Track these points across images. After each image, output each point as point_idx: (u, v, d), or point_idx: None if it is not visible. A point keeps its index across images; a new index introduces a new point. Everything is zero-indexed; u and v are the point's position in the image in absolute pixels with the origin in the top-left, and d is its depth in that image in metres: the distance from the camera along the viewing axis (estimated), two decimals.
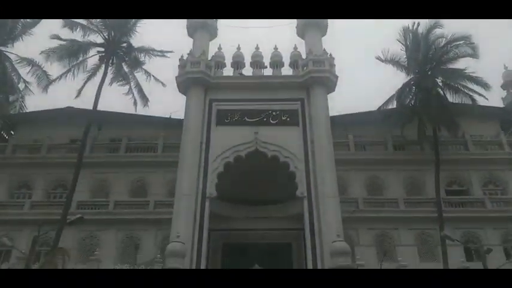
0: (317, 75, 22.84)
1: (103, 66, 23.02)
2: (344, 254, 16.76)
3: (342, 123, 25.36)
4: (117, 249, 21.75)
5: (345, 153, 24.85)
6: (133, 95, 23.74)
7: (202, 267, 18.04)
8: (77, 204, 22.21)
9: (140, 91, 23.89)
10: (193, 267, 17.69)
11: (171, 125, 25.76)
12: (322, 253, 18.07)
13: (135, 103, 23.61)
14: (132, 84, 23.89)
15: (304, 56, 24.76)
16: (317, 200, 19.55)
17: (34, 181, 24.82)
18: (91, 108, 22.37)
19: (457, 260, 18.39)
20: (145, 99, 23.81)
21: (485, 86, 22.99)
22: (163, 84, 24.05)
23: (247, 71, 25.19)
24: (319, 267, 17.86)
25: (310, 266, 18.20)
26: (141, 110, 24.56)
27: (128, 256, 21.32)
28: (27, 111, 25.97)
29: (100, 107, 22.85)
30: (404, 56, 24.66)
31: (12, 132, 28.98)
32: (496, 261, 17.57)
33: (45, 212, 21.79)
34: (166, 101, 29.14)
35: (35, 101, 26.65)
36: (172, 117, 27.59)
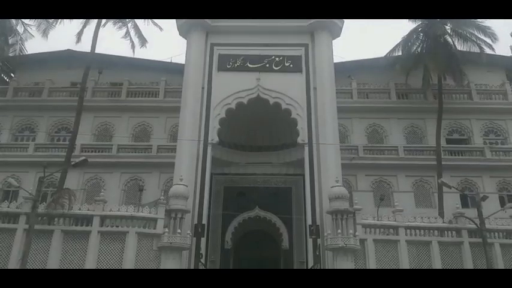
0: (322, 20, 22.11)
1: None
2: (341, 198, 17.16)
3: (345, 71, 25.04)
4: (122, 191, 22.47)
5: (347, 100, 24.75)
6: (130, 37, 23.21)
7: (205, 209, 18.61)
8: (81, 148, 22.58)
9: (138, 32, 23.31)
10: (196, 208, 18.27)
11: (172, 70, 25.46)
12: (321, 197, 18.53)
13: (132, 46, 23.14)
14: (129, 25, 23.26)
15: None
16: (318, 147, 19.70)
17: (37, 124, 25.03)
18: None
19: (452, 206, 18.87)
20: (143, 40, 23.30)
21: (492, 36, 22.53)
22: (160, 29, 23.48)
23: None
24: (317, 210, 18.42)
25: (308, 209, 18.78)
26: (141, 56, 24.18)
27: (132, 197, 22.08)
28: (26, 53, 25.54)
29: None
30: None
31: (13, 75, 28.71)
32: (491, 209, 18.06)
33: (49, 155, 22.24)
34: (169, 47, 28.58)
35: (36, 46, 26.15)
36: (173, 61, 27.18)
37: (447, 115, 23.39)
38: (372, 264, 16.43)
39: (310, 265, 17.06)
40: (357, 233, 16.62)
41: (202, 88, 21.09)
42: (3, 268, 15.17)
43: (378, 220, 17.58)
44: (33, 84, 26.42)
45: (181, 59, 23.98)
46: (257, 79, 20.90)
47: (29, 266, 14.52)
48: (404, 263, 16.57)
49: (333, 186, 17.64)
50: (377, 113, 24.90)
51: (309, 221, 18.44)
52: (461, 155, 23.68)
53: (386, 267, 16.57)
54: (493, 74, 26.24)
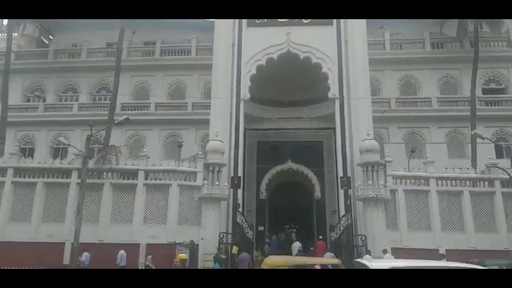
0: None
1: None
2: (372, 151, 17.58)
3: (377, 21, 24.34)
4: (162, 147, 23.81)
5: (380, 52, 24.36)
6: None
7: (240, 162, 19.51)
8: (121, 106, 23.72)
9: None
10: (232, 162, 19.20)
11: (203, 27, 25.56)
12: (352, 150, 18.97)
13: None
14: None
15: None
16: (349, 101, 19.83)
17: (78, 84, 26.33)
18: None
19: (486, 157, 18.84)
20: None
21: None
22: None
23: None
24: (348, 163, 18.94)
25: (339, 162, 19.32)
26: None
27: (172, 153, 23.37)
28: None
29: None
30: None
31: (51, 37, 29.83)
32: None
33: (92, 113, 23.58)
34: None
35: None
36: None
37: (484, 64, 22.70)
38: (402, 214, 17.09)
39: (342, 214, 17.89)
40: (387, 184, 17.18)
41: (233, 45, 21.29)
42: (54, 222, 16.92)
43: (408, 171, 17.99)
44: (71, 46, 27.45)
45: None
46: (287, 34, 20.84)
47: (83, 218, 16.09)
48: (435, 213, 17.14)
49: (363, 140, 18.01)
50: (410, 64, 24.45)
51: (340, 173, 19.04)
52: (498, 105, 23.18)
53: (416, 217, 17.23)
54: None
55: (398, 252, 14.79)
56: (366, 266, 6.91)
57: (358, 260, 9.24)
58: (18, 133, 24.71)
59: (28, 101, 26.46)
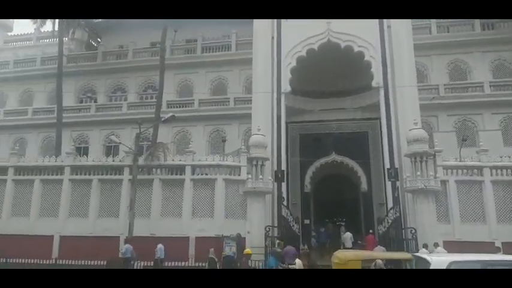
0: None
1: None
2: (420, 140, 16.97)
3: None
4: (207, 142, 24.41)
5: (425, 37, 23.40)
6: None
7: (283, 156, 19.60)
8: (167, 104, 24.50)
9: None
10: (275, 156, 19.33)
11: (242, 22, 25.53)
12: (399, 140, 18.44)
13: None
14: None
15: None
16: (394, 89, 19.25)
17: (126, 84, 27.46)
18: None
19: None
20: None
21: None
22: None
23: None
24: (395, 154, 18.45)
25: (386, 153, 18.84)
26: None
27: (216, 147, 23.90)
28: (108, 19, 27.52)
29: None
30: None
31: (100, 40, 31.25)
32: None
33: (140, 112, 24.57)
34: None
35: None
36: None
37: None
38: (454, 205, 16.46)
39: (390, 207, 17.50)
40: (437, 175, 16.57)
41: (272, 38, 21.26)
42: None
43: (460, 161, 17.24)
44: (118, 47, 28.63)
45: None
46: (327, 23, 20.49)
47: (136, 212, 16.88)
48: (489, 204, 16.35)
49: (411, 129, 17.44)
50: (459, 47, 23.26)
51: (387, 165, 18.59)
52: None
53: (469, 208, 16.52)
54: None
55: (450, 246, 14.30)
56: (426, 260, 6.83)
57: (416, 254, 9.02)
58: (73, 133, 26.21)
59: (81, 102, 27.96)
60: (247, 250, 13.74)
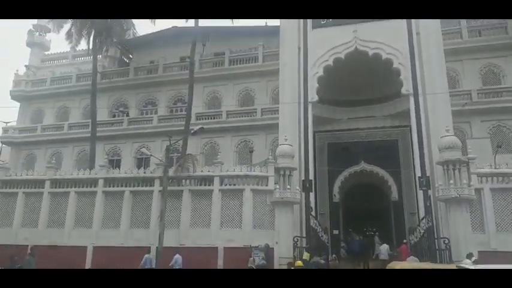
0: None
1: None
2: (453, 148, 16.47)
3: None
4: (234, 153, 24.65)
5: (456, 41, 22.85)
6: None
7: (311, 165, 19.49)
8: (195, 116, 24.99)
9: None
10: (303, 165, 19.26)
11: (269, 33, 26.04)
12: (430, 148, 17.97)
13: None
14: None
15: None
16: (424, 96, 18.84)
17: (157, 98, 28.26)
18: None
19: None
20: None
21: None
22: None
23: None
24: (426, 162, 17.96)
25: (417, 162, 18.37)
26: (238, 23, 25.13)
27: (243, 158, 24.09)
28: (139, 35, 28.62)
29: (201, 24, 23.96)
30: None
31: (131, 56, 32.40)
32: None
33: (170, 125, 25.18)
34: None
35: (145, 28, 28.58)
36: (268, 24, 27.76)
37: None
38: (489, 215, 15.81)
39: (421, 216, 17.01)
40: (471, 183, 16.01)
41: (299, 48, 21.38)
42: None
43: (495, 168, 16.59)
44: (148, 63, 29.58)
45: (276, 21, 24.43)
46: (353, 31, 20.41)
47: (166, 223, 17.17)
48: None
49: (443, 136, 16.99)
50: (492, 51, 22.55)
51: (419, 173, 18.12)
52: None
53: (506, 217, 15.83)
54: None
55: (486, 256, 13.74)
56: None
57: (460, 264, 8.70)
58: (106, 146, 27.13)
59: (114, 116, 28.95)
60: (299, 262, 13.16)
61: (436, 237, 15.99)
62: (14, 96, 30.82)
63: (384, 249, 18.31)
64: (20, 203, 19.92)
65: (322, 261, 14.30)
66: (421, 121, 18.72)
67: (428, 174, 17.69)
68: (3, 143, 30.86)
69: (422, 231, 16.33)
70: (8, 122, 31.02)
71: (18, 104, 31.21)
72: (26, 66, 32.86)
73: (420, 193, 17.75)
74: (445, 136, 16.91)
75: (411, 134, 19.37)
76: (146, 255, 15.95)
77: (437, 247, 15.63)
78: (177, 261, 15.74)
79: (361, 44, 20.19)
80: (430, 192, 17.20)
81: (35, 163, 28.38)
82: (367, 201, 22.23)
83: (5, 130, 30.00)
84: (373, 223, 23.32)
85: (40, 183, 20.10)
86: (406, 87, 19.35)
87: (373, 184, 22.04)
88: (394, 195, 20.27)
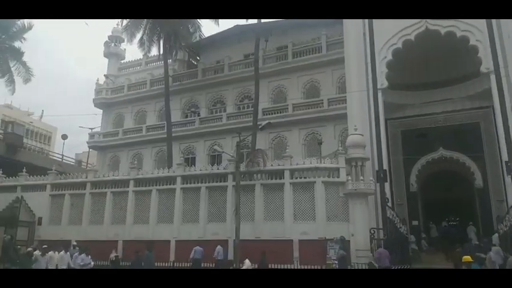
0: None
1: None
2: None
3: None
4: (303, 146, 24.59)
5: None
6: None
7: (384, 154, 18.86)
8: (262, 112, 25.33)
9: None
10: (375, 155, 18.69)
11: (331, 22, 25.45)
12: None
13: None
14: None
15: None
16: (507, 73, 17.31)
17: (225, 96, 29.05)
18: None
19: None
20: None
21: None
22: None
23: None
24: None
25: (503, 145, 16.98)
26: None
27: (312, 150, 23.94)
28: (204, 37, 29.59)
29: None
30: None
31: (198, 58, 33.65)
32: None
33: (238, 121, 25.72)
34: None
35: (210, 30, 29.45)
36: None
37: None
38: None
39: (510, 204, 15.69)
40: None
41: (364, 33, 20.71)
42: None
43: None
44: (215, 63, 30.51)
45: None
46: None
47: (241, 216, 17.68)
48: None
49: None
50: None
51: (505, 157, 16.73)
52: None
53: None
54: None
55: None
56: None
57: None
58: (181, 145, 28.54)
59: (186, 117, 30.32)
60: (467, 258, 11.28)
61: None
62: (97, 104, 33.56)
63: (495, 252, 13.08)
64: (109, 201, 21.73)
65: (483, 256, 12.90)
66: (504, 100, 17.27)
67: None
68: (90, 147, 33.94)
69: None
70: (93, 128, 34.04)
71: (100, 111, 33.96)
72: (105, 75, 35.54)
73: (508, 179, 16.40)
74: None
75: (494, 116, 17.97)
76: (197, 247, 17.04)
77: None
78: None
79: (431, 23, 19.08)
80: None
81: (119, 164, 30.71)
82: (448, 190, 21.03)
83: (91, 136, 32.83)
84: (455, 212, 22.00)
85: (125, 182, 21.74)
86: (486, 65, 17.99)
87: (454, 171, 20.77)
88: (478, 182, 18.93)
